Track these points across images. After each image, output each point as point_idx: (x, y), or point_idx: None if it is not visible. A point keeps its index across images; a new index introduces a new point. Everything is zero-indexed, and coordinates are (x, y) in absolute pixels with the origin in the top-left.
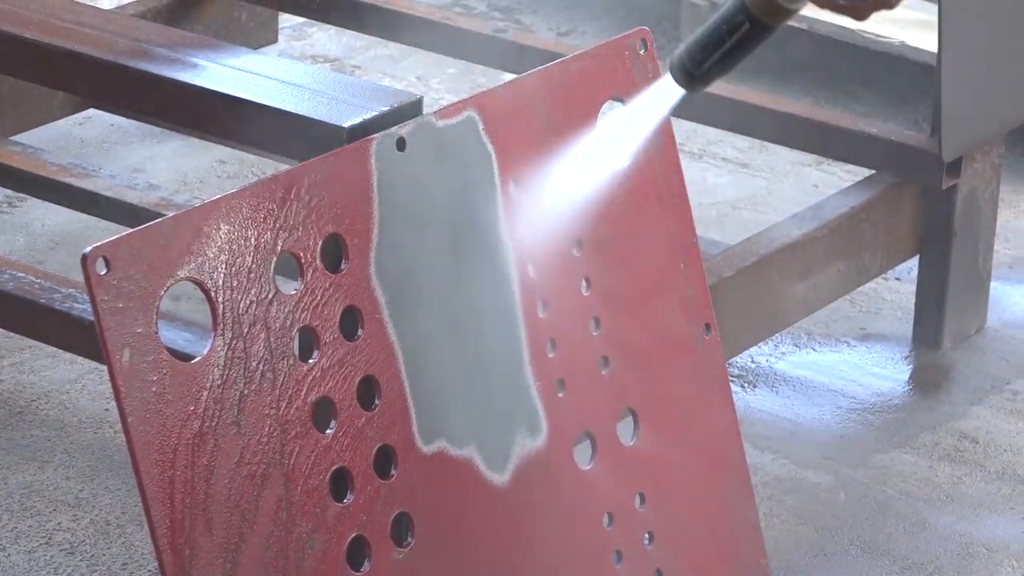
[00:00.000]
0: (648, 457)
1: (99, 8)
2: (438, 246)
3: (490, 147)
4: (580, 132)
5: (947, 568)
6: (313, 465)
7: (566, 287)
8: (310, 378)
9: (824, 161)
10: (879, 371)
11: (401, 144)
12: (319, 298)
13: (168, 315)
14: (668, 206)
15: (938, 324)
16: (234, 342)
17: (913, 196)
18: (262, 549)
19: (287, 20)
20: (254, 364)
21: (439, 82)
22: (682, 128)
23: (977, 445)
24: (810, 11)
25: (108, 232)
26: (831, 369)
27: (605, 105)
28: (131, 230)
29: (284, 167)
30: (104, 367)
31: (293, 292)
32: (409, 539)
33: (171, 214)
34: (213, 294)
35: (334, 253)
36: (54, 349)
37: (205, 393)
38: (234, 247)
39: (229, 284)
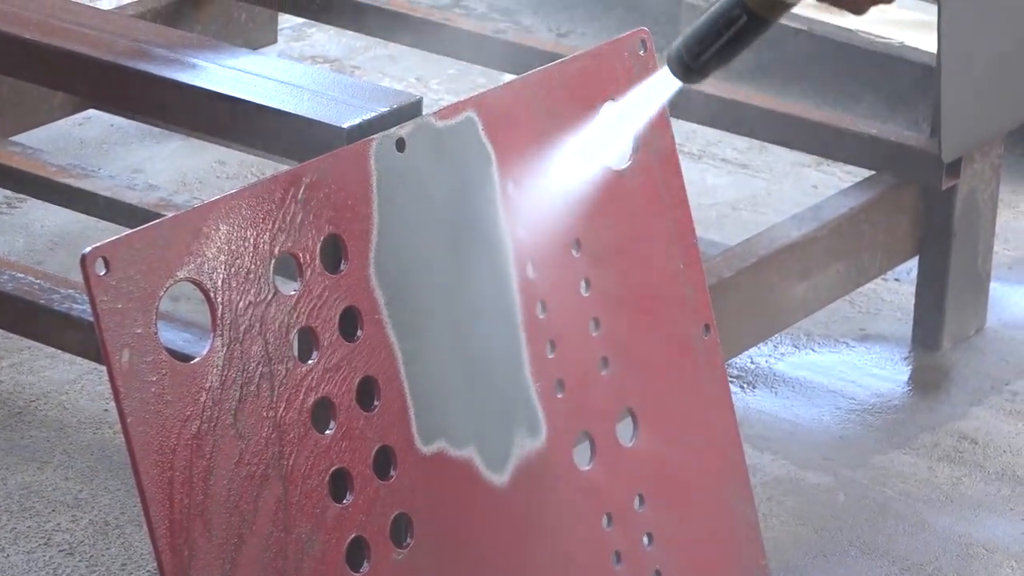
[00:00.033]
0: (647, 458)
1: (98, 8)
2: (438, 247)
3: (490, 148)
4: (579, 131)
5: (946, 569)
6: (312, 466)
7: (566, 288)
8: (309, 379)
9: (823, 162)
10: (878, 372)
11: (401, 145)
12: (318, 299)
13: (167, 316)
14: (668, 207)
15: (937, 325)
16: (233, 343)
17: (913, 197)
18: (261, 550)
19: (287, 21)
20: (253, 365)
21: (439, 83)
22: (682, 129)
23: (976, 446)
24: (808, 6)
25: (107, 233)
26: (830, 370)
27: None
28: (130, 231)
29: (284, 168)
30: (103, 368)
31: (292, 293)
32: (408, 540)
33: (170, 215)
34: (212, 295)
35: (333, 254)
36: (53, 350)
37: (204, 394)
38: (233, 248)
39: (228, 285)
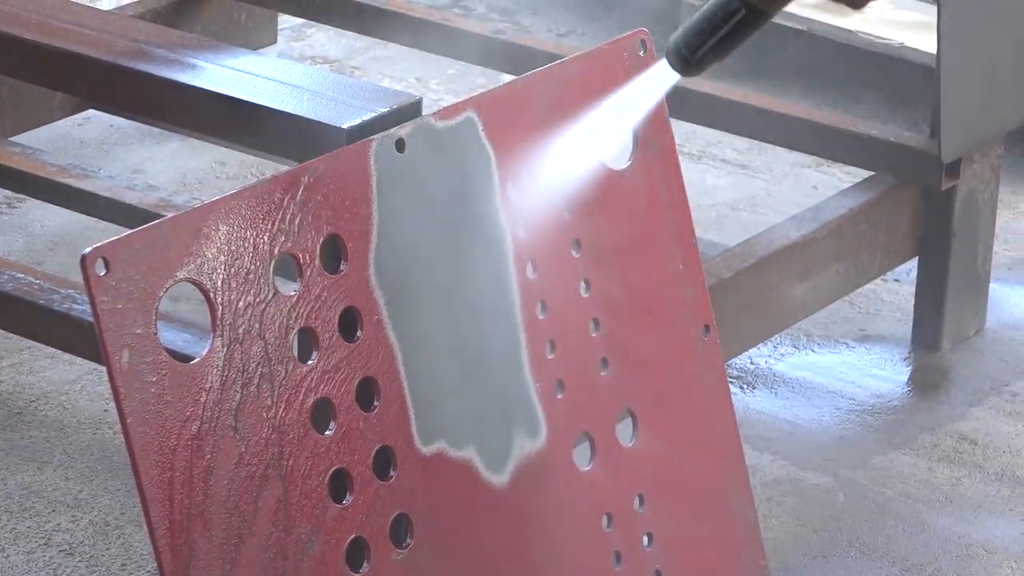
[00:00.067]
0: (647, 458)
1: (98, 9)
2: (438, 247)
3: (489, 148)
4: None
5: (946, 569)
6: (312, 466)
7: (565, 288)
8: (309, 379)
9: (823, 162)
10: (878, 372)
11: (400, 145)
12: (318, 299)
13: (167, 316)
14: (668, 207)
15: (937, 325)
16: (233, 343)
17: (912, 197)
18: (261, 550)
19: (286, 21)
20: (253, 365)
21: (438, 83)
22: (681, 129)
23: (976, 447)
24: (807, 5)
25: (107, 233)
26: (830, 370)
27: None
28: (130, 231)
29: (283, 168)
30: (103, 368)
31: (292, 293)
32: (408, 540)
33: (170, 215)
34: (212, 295)
35: (333, 254)
36: (53, 350)
37: (204, 394)
38: (233, 248)
39: (228, 285)
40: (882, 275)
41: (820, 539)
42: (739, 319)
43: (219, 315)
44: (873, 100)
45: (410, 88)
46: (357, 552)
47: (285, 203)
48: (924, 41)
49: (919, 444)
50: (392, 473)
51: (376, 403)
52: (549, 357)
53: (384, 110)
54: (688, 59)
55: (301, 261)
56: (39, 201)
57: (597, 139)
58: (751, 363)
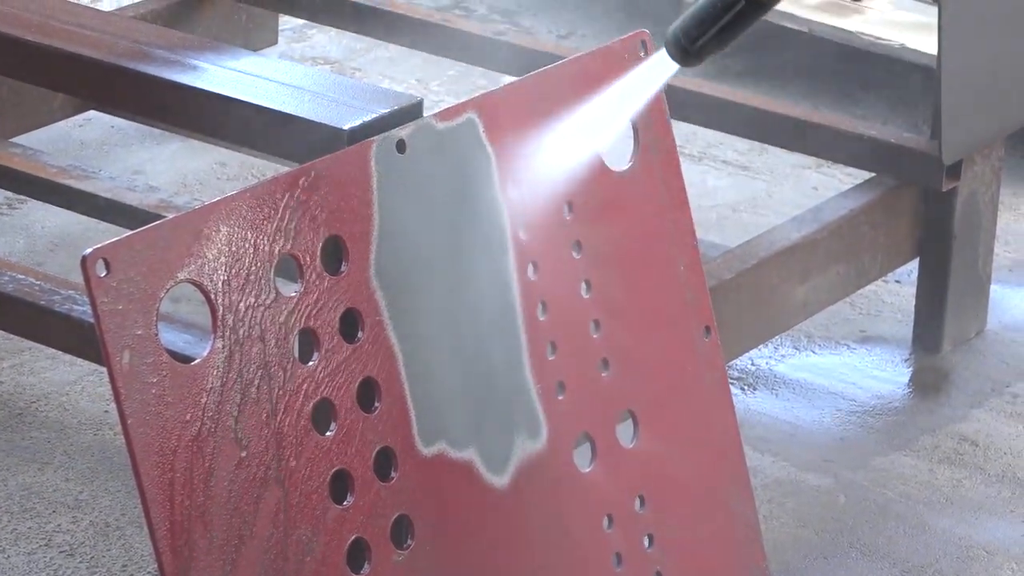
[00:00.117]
0: (648, 459)
1: (99, 10)
2: (438, 248)
3: (490, 149)
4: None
5: (947, 571)
6: (313, 467)
7: (566, 290)
8: (310, 380)
9: (824, 164)
10: (879, 374)
11: (401, 146)
12: (319, 300)
13: (168, 317)
14: (668, 208)
15: (938, 327)
16: (234, 344)
17: (913, 199)
18: (262, 551)
19: (287, 22)
20: (254, 366)
21: (439, 84)
22: (682, 130)
23: (977, 448)
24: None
25: (108, 234)
26: (831, 372)
27: None
28: (131, 232)
29: (284, 169)
30: (104, 369)
31: (293, 294)
32: (409, 541)
33: (171, 216)
34: (213, 296)
35: (334, 255)
36: (54, 351)
37: (205, 395)
38: (234, 249)
39: (229, 286)
40: (883, 276)
41: (821, 540)
42: (740, 320)
43: (220, 316)
44: (874, 101)
45: (411, 89)
46: (358, 553)
47: (286, 204)
48: (924, 42)
49: (920, 445)
50: (393, 474)
51: (377, 404)
52: (550, 358)
53: (385, 111)
54: (687, 49)
55: (302, 262)
56: (40, 202)
57: (595, 129)
58: (752, 364)
